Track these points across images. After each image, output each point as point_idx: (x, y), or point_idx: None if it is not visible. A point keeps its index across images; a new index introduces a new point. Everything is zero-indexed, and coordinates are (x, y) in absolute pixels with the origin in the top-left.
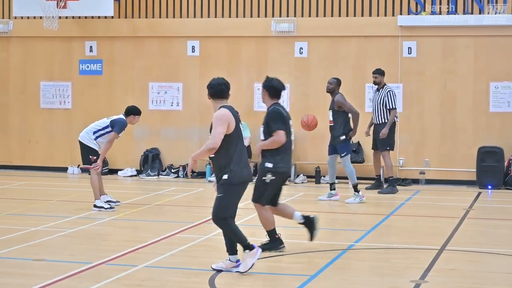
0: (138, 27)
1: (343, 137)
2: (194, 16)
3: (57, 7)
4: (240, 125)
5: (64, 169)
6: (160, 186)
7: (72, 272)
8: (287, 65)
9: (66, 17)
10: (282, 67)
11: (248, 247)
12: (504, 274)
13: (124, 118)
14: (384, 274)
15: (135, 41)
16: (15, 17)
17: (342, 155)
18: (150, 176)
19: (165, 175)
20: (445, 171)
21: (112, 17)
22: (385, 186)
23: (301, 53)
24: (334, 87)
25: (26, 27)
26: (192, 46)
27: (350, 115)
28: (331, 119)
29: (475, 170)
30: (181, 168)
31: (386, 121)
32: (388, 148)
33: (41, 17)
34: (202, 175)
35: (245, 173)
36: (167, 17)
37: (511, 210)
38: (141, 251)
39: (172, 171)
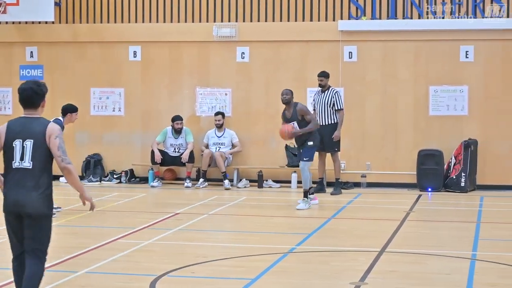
0: (79, 32)
1: (311, 143)
2: (136, 21)
3: None
4: None
5: None
6: (103, 191)
7: (8, 281)
8: (229, 70)
9: (6, 22)
10: (224, 72)
11: None
12: (443, 275)
13: (60, 119)
14: (324, 277)
15: (76, 46)
16: None
17: (305, 159)
18: (92, 181)
19: (107, 181)
20: (386, 174)
21: (53, 22)
22: (328, 189)
23: (242, 57)
24: (290, 97)
25: None
26: (134, 51)
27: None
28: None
29: (415, 173)
30: (123, 174)
31: (333, 122)
32: (336, 149)
33: None
34: (144, 180)
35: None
36: (108, 22)
37: (450, 212)
38: (82, 257)
39: (115, 176)
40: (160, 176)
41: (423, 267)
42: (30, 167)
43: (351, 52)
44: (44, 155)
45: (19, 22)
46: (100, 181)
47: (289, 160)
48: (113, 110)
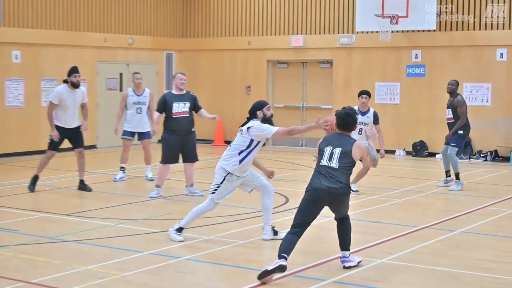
0: (455, 38)
1: (461, 132)
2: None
3: (391, 23)
4: None
5: None
6: (471, 168)
7: (401, 233)
8: None
9: (397, 31)
10: None
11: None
12: None
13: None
14: None
15: (452, 49)
16: (357, 32)
17: (452, 145)
18: (462, 159)
19: (475, 159)
20: None
21: (434, 30)
22: None
23: None
24: (455, 88)
25: (366, 40)
26: (501, 53)
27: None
28: (452, 116)
29: None
30: (488, 153)
31: None
32: None
33: (377, 32)
34: (506, 160)
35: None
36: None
37: None
38: (458, 219)
39: (481, 155)
40: None
41: None
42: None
43: None
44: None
45: (407, 31)
46: (469, 159)
47: None
48: (482, 101)
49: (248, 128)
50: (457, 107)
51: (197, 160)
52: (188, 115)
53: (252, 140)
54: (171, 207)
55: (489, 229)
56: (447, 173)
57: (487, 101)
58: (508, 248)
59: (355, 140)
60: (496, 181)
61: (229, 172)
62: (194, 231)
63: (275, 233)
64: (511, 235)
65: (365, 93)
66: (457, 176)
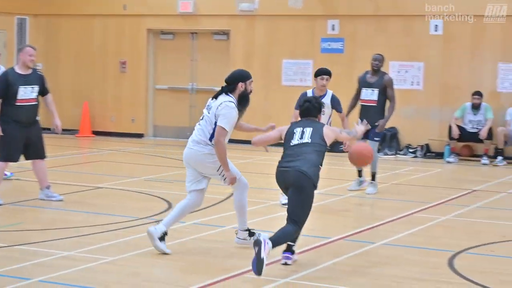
0: (380, 5)
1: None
2: None
3: None
4: None
5: None
6: (398, 165)
7: (312, 246)
8: None
9: None
10: None
11: None
12: None
13: None
14: None
15: (377, 20)
16: None
17: (376, 139)
18: (388, 155)
19: (402, 155)
20: None
21: None
22: None
23: None
24: (381, 65)
25: (271, 6)
26: (435, 25)
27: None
28: (376, 99)
29: None
30: (419, 148)
31: None
32: None
33: None
34: (440, 155)
35: None
36: None
37: None
38: (379, 229)
39: (410, 150)
40: (456, 152)
41: None
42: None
43: None
44: None
45: None
46: (396, 155)
47: None
48: (412, 84)
49: (220, 104)
50: (387, 87)
51: (46, 157)
52: (36, 102)
53: (216, 123)
54: (23, 216)
55: (417, 240)
56: (360, 172)
57: (418, 84)
58: (440, 264)
59: (324, 124)
60: (427, 182)
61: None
62: (51, 245)
63: (251, 234)
64: (443, 248)
65: (325, 72)
66: (373, 176)
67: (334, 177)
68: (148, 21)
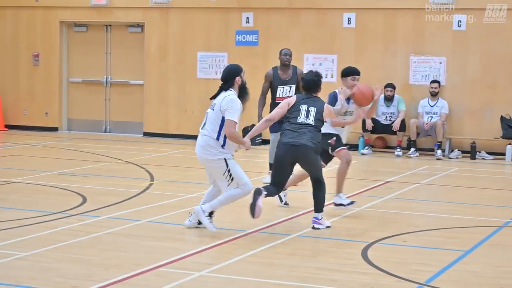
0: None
1: None
2: None
3: None
4: None
5: None
6: None
7: (228, 239)
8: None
9: None
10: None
11: None
12: None
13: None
14: None
15: (291, 12)
16: None
17: None
18: None
19: None
20: None
21: None
22: None
23: (459, 26)
24: (291, 59)
25: None
26: (348, 18)
27: None
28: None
29: None
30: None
31: None
32: None
33: None
34: (354, 147)
35: None
36: None
37: None
38: (293, 221)
39: None
40: (370, 143)
41: None
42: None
43: None
44: None
45: None
46: None
47: (504, 131)
48: (326, 77)
49: (223, 99)
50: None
51: None
52: None
53: (224, 118)
54: None
55: (332, 232)
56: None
57: (332, 77)
58: (354, 255)
59: (324, 102)
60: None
61: (224, 158)
62: None
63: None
64: (357, 239)
65: (356, 72)
66: (271, 166)
67: (249, 169)
68: (61, 13)
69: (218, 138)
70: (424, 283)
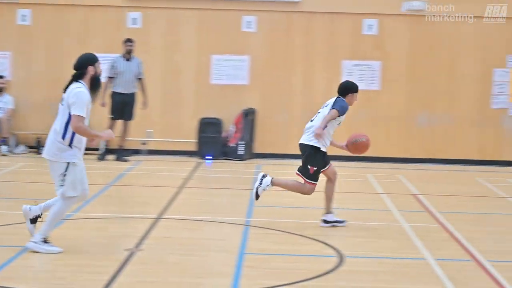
0: None
1: None
2: None
3: None
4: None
5: None
6: None
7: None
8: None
9: None
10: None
11: None
12: (217, 241)
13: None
14: (100, 244)
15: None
16: None
17: None
18: None
19: None
20: (168, 141)
21: None
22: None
23: (24, 20)
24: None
25: None
26: None
27: None
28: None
29: (196, 141)
30: None
31: (136, 91)
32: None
33: None
34: None
35: None
36: None
37: (228, 179)
38: None
39: None
40: None
41: (198, 233)
42: None
43: (135, 19)
44: None
45: None
46: None
47: None
48: None
49: (70, 93)
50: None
51: None
52: None
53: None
54: None
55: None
56: None
57: None
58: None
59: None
60: None
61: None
62: None
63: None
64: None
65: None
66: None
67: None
68: None
69: (63, 137)
70: None
